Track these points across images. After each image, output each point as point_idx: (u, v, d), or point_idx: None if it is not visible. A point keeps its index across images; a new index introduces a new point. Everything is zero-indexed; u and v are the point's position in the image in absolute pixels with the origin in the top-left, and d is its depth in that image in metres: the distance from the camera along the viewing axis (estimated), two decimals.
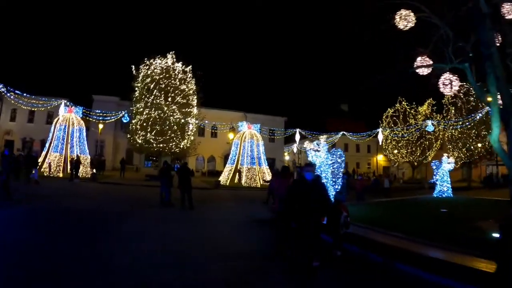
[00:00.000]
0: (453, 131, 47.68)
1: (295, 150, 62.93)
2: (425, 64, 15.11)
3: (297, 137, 48.53)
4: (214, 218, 14.95)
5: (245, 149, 36.80)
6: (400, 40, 15.30)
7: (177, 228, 11.99)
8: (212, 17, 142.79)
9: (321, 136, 15.98)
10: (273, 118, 57.84)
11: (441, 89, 14.73)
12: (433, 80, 15.26)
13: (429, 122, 45.06)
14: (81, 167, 30.29)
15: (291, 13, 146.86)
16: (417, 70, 15.11)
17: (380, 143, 50.58)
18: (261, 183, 34.34)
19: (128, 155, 53.52)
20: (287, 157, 68.02)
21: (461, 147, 47.23)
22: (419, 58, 14.93)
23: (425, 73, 15.19)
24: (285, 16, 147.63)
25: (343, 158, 15.70)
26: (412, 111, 52.07)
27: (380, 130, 48.72)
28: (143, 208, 16.50)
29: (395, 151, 54.12)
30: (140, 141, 36.18)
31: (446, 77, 14.54)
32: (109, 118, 39.19)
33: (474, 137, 46.11)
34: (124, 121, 38.79)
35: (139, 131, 36.29)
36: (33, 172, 23.97)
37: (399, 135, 51.10)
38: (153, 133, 35.86)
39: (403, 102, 52.44)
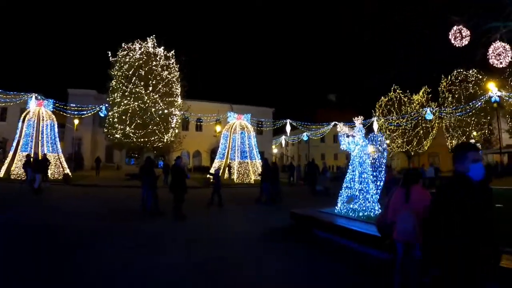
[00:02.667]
0: (452, 119, 44.88)
1: (283, 142, 59.48)
2: (461, 34, 13.09)
3: (288, 128, 44.81)
4: (216, 233, 10.72)
5: (235, 141, 32.74)
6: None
7: (168, 261, 7.58)
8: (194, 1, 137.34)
9: (356, 118, 11.92)
10: (260, 109, 53.68)
11: (491, 61, 12.93)
12: (480, 52, 13.74)
13: (427, 110, 42.06)
14: (50, 167, 25.66)
15: (275, 3, 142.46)
16: (453, 41, 13.13)
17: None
18: (255, 178, 30.55)
19: (108, 152, 49.30)
20: (275, 150, 64.31)
21: (461, 135, 44.42)
22: (454, 28, 13.08)
23: (462, 44, 13.11)
24: (270, 5, 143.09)
25: (385, 146, 11.78)
26: (406, 99, 48.97)
27: (375, 119, 45.46)
28: (119, 222, 12.13)
29: (387, 142, 50.92)
30: (118, 136, 31.60)
31: (497, 46, 12.83)
32: (85, 112, 34.80)
33: (474, 125, 43.34)
34: (102, 115, 34.18)
35: (117, 124, 31.66)
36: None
37: (394, 124, 47.89)
38: (132, 126, 31.24)
39: (398, 90, 49.28)
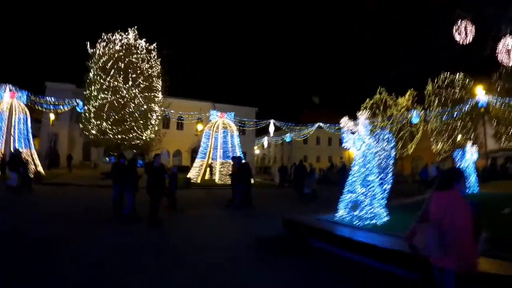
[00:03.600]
0: (437, 122, 44.05)
1: (265, 143, 58.15)
2: (466, 30, 12.49)
3: (271, 128, 43.67)
4: (199, 244, 9.00)
5: (217, 141, 30.97)
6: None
7: (139, 283, 6.03)
8: None
9: (360, 113, 10.33)
10: (243, 109, 51.74)
11: (500, 58, 12.66)
12: (488, 47, 13.05)
13: (414, 113, 41.17)
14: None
15: (261, 3, 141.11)
16: (457, 38, 12.63)
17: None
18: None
19: (85, 150, 46.98)
20: (257, 151, 62.82)
21: (447, 139, 43.62)
22: (459, 23, 12.64)
23: (467, 40, 12.54)
24: (255, 5, 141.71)
25: (393, 144, 10.29)
26: (392, 102, 48.07)
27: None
28: (85, 227, 10.45)
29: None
30: (94, 132, 29.59)
31: (507, 42, 12.50)
32: (61, 107, 32.81)
33: (459, 129, 42.60)
34: (79, 110, 32.14)
35: (93, 120, 29.63)
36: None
37: (379, 126, 46.89)
38: (109, 122, 29.29)
39: (383, 93, 48.33)
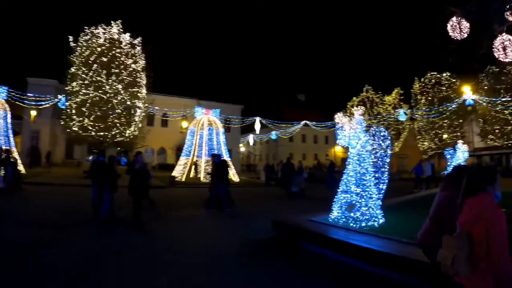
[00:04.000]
0: (424, 121, 43.83)
1: (251, 141, 57.33)
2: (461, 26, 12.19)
3: (257, 126, 42.78)
4: (183, 250, 8.28)
5: (202, 138, 30.26)
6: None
7: None
8: None
9: (355, 108, 9.74)
10: (229, 106, 50.93)
11: (497, 54, 12.04)
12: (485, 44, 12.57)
13: (401, 111, 40.89)
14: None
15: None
16: (451, 33, 12.29)
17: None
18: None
19: (68, 147, 45.72)
20: (242, 149, 62.05)
21: (433, 137, 43.42)
22: (454, 19, 12.20)
23: (462, 37, 12.30)
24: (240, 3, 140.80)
25: (389, 142, 9.73)
26: (378, 100, 47.82)
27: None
28: (59, 231, 9.63)
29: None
30: (75, 129, 28.56)
31: (504, 38, 11.87)
32: (43, 103, 31.68)
33: (446, 128, 42.43)
34: (61, 106, 31.02)
35: (75, 116, 28.59)
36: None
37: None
38: (91, 118, 28.32)
39: (370, 91, 48.01)
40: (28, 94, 32.00)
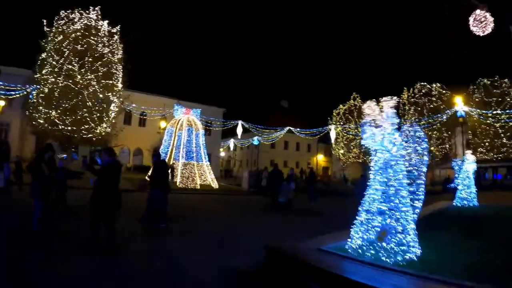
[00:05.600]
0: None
1: (231, 146, 54.85)
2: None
3: (239, 130, 40.40)
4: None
5: (180, 139, 27.50)
6: None
7: None
8: None
9: (385, 99, 6.93)
10: (210, 109, 48.29)
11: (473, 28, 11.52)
12: None
13: None
14: None
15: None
16: (474, 29, 11.37)
17: (333, 141, 43.84)
18: (200, 183, 25.70)
19: (38, 143, 42.30)
20: (222, 153, 59.41)
21: None
22: (478, 12, 11.26)
23: (485, 31, 11.37)
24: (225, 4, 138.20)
25: (426, 146, 7.12)
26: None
27: (332, 126, 41.83)
28: None
29: (342, 152, 47.70)
30: (41, 121, 25.50)
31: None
32: (13, 93, 28.58)
33: (435, 139, 40.57)
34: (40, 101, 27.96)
35: (41, 107, 25.60)
36: None
37: (352, 133, 44.54)
38: (59, 111, 25.30)
39: (357, 99, 46.02)
40: None
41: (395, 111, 6.87)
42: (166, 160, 26.89)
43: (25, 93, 27.77)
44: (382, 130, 6.45)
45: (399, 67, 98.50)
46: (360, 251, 6.19)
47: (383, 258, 5.87)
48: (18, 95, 29.20)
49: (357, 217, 6.60)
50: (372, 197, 6.48)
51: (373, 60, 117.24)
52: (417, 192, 6.91)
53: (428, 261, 5.87)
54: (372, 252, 6.04)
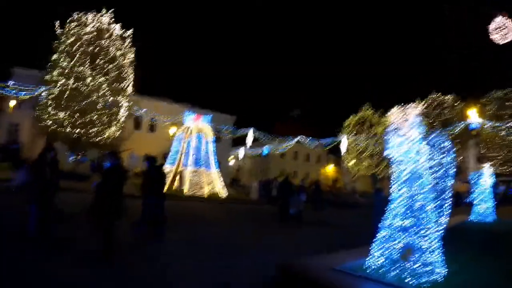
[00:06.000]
0: None
1: (241, 155, 54.32)
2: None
3: (250, 137, 39.66)
4: None
5: (190, 146, 26.76)
6: None
7: None
8: None
9: (411, 106, 6.34)
10: (221, 116, 47.81)
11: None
12: None
13: None
14: None
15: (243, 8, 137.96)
16: (495, 36, 11.29)
17: (344, 152, 43.03)
18: (209, 191, 25.12)
19: (49, 144, 42.03)
20: (231, 162, 58.79)
21: None
22: (498, 19, 11.28)
23: (506, 39, 11.23)
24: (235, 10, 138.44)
25: (454, 156, 6.51)
26: (377, 120, 45.01)
27: (345, 136, 41.11)
28: None
29: (351, 163, 46.88)
30: (49, 122, 25.23)
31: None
32: (23, 93, 28.39)
33: None
34: (50, 102, 27.70)
35: (50, 108, 25.33)
36: None
37: (363, 144, 43.78)
38: (68, 112, 24.99)
39: (369, 109, 45.30)
40: (10, 83, 28.87)
41: (421, 119, 6.34)
42: (173, 166, 26.51)
43: (36, 94, 27.55)
44: (408, 140, 5.91)
45: (399, 67, 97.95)
46: (381, 271, 5.62)
47: (408, 280, 5.31)
48: (29, 96, 29.04)
49: (378, 233, 6.05)
50: (395, 211, 5.92)
51: (375, 61, 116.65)
52: (442, 207, 6.33)
53: (454, 284, 5.33)
54: (395, 272, 5.48)
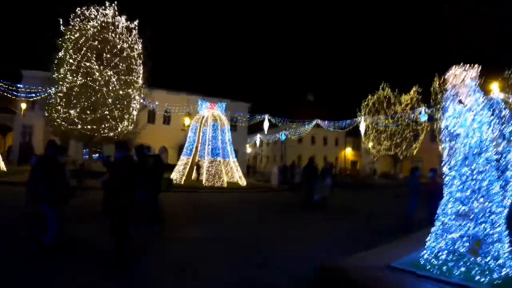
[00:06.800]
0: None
1: (258, 142, 53.47)
2: None
3: (266, 124, 38.79)
4: None
5: (205, 135, 25.91)
6: None
7: None
8: None
9: (466, 67, 5.33)
10: (235, 104, 46.49)
11: None
12: None
13: (422, 110, 36.79)
14: None
15: None
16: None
17: (363, 133, 41.68)
18: (228, 180, 24.31)
19: (63, 143, 41.61)
20: (248, 150, 57.95)
21: None
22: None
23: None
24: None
25: None
26: (395, 99, 43.54)
27: (362, 117, 39.82)
28: None
29: (370, 144, 45.44)
30: (59, 121, 24.58)
31: None
32: (33, 95, 28.00)
33: None
34: (59, 100, 27.04)
35: (59, 107, 24.58)
36: None
37: (383, 124, 42.39)
38: (78, 110, 24.26)
39: (387, 89, 43.77)
40: (18, 85, 28.43)
41: (477, 82, 5.35)
42: (190, 157, 25.72)
43: (46, 94, 26.98)
44: (470, 107, 4.91)
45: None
46: (445, 268, 4.65)
47: (478, 277, 4.35)
48: (39, 97, 28.56)
49: (436, 221, 5.07)
50: (455, 195, 4.93)
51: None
52: (506, 188, 5.32)
53: None
54: (463, 269, 4.51)
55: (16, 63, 61.00)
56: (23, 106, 33.67)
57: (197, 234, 9.25)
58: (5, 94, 27.30)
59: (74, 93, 24.25)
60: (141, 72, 27.46)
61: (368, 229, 10.74)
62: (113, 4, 26.62)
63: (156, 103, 33.20)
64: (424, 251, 5.03)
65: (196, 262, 6.73)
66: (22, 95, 29.16)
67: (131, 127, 27.18)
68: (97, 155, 39.16)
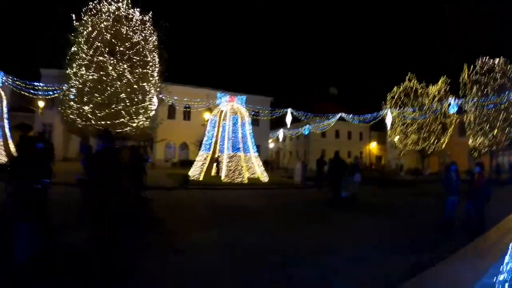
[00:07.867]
0: (476, 112, 36.54)
1: (281, 136, 52.00)
2: None
3: (288, 118, 37.39)
4: None
5: (225, 129, 24.41)
6: None
7: None
8: None
9: None
10: (257, 98, 45.22)
11: None
12: None
13: (452, 101, 34.65)
14: None
15: None
16: None
17: (389, 127, 39.73)
18: (248, 176, 22.88)
19: (84, 140, 41.08)
20: (271, 145, 56.45)
21: (487, 132, 36.10)
22: None
23: None
24: None
25: None
26: (422, 90, 41.36)
27: (388, 110, 37.84)
28: None
29: (397, 138, 43.30)
30: (72, 117, 23.76)
31: None
32: (51, 93, 27.36)
33: (502, 121, 35.33)
34: (72, 97, 26.24)
35: (72, 103, 23.78)
36: None
37: (410, 117, 40.32)
38: (91, 105, 23.24)
39: (413, 80, 41.62)
40: (35, 83, 27.79)
41: None
42: (209, 153, 24.36)
43: (62, 92, 26.25)
44: None
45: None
46: None
47: None
48: (56, 95, 27.90)
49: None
50: None
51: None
52: None
53: None
54: None
55: (35, 62, 60.93)
56: (41, 104, 33.03)
57: (210, 241, 7.75)
58: (22, 92, 26.84)
59: (87, 88, 23.28)
60: (157, 65, 26.28)
61: (419, 235, 9.02)
62: None
63: (175, 97, 32.10)
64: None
65: (209, 276, 5.27)
66: (40, 93, 28.50)
67: (147, 123, 26.06)
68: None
